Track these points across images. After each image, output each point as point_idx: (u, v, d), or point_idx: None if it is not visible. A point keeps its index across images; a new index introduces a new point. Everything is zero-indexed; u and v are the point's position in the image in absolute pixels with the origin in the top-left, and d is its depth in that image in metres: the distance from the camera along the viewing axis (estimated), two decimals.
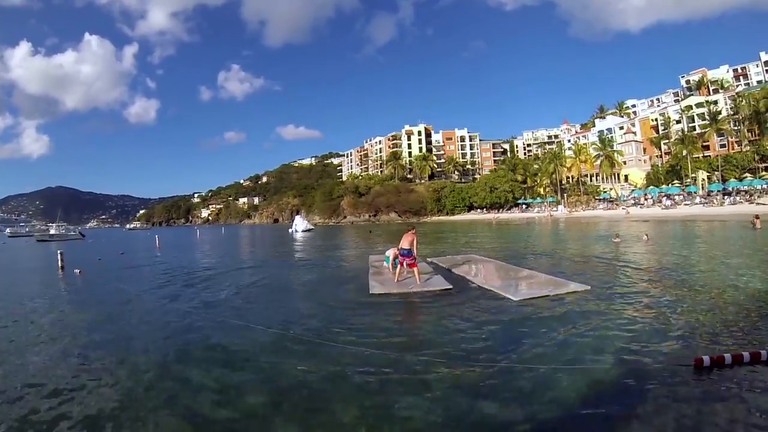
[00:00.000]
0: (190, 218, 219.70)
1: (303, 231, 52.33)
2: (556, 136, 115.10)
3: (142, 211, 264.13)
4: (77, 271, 17.01)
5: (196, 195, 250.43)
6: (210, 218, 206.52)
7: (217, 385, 5.06)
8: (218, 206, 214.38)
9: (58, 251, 19.87)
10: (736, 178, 55.89)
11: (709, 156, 65.61)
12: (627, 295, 8.66)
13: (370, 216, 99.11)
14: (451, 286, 10.02)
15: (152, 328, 7.93)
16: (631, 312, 7.35)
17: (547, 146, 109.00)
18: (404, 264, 10.99)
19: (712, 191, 54.92)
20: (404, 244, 10.75)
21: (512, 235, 31.98)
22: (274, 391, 4.81)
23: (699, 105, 71.29)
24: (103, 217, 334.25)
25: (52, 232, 66.38)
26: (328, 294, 10.43)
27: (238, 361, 5.81)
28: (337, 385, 4.86)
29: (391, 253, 12.55)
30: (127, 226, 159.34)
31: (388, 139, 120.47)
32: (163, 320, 8.57)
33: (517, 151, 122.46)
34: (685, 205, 52.90)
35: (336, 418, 4.16)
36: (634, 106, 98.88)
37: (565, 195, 75.72)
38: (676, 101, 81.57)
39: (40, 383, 5.28)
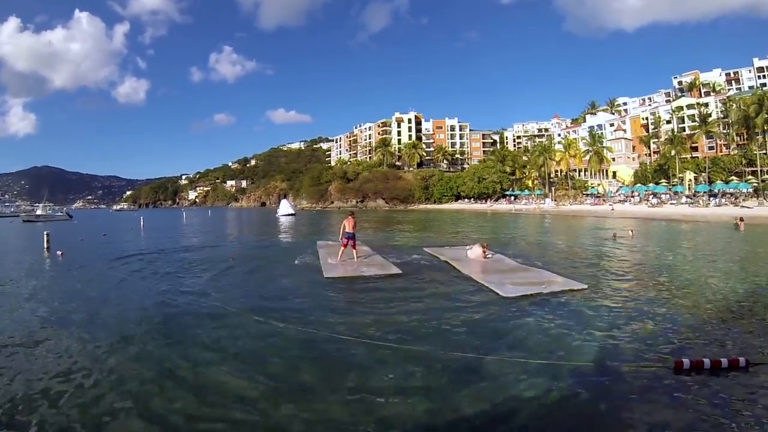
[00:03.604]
0: (177, 200, 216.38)
1: (283, 215, 51.06)
2: (546, 130, 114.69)
3: (128, 192, 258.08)
4: (59, 252, 17.42)
5: (183, 177, 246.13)
6: (197, 200, 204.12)
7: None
8: (206, 188, 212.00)
9: (45, 232, 20.05)
10: (722, 181, 56.13)
11: (697, 157, 65.91)
12: (614, 293, 8.82)
13: (357, 202, 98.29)
14: (400, 271, 10.88)
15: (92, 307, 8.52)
16: (615, 310, 7.46)
17: (537, 139, 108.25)
18: (347, 246, 12.22)
19: (698, 192, 55.06)
20: (348, 228, 12.08)
21: (502, 226, 33.41)
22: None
23: (690, 106, 71.49)
24: (90, 197, 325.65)
25: (38, 212, 65.54)
26: (287, 277, 11.18)
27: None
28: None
29: (477, 250, 12.88)
30: (114, 207, 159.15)
31: (378, 126, 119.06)
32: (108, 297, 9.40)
33: (507, 142, 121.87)
34: (671, 204, 52.96)
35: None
36: (625, 103, 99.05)
37: (553, 188, 75.69)
38: (668, 101, 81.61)
39: None
